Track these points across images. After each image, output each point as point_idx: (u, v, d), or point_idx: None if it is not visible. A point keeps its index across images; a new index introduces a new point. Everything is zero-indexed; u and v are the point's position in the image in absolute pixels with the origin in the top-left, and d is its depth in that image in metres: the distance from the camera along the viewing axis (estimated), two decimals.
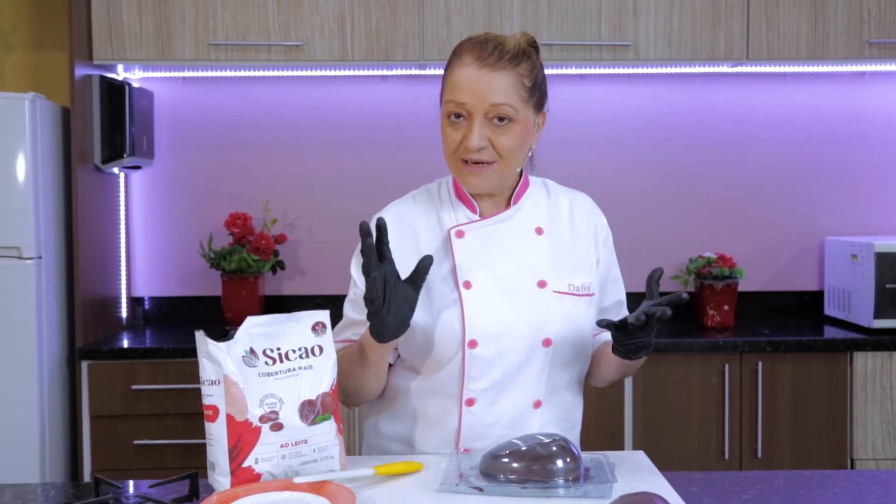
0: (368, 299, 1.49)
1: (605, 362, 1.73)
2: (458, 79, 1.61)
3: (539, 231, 1.72)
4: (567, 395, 1.73)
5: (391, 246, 1.59)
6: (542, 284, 1.67)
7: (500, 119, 1.60)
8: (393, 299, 1.51)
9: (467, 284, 1.66)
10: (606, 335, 1.80)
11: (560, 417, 1.72)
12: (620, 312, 1.82)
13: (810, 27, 3.19)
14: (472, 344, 1.64)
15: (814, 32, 3.19)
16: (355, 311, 1.73)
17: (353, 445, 3.00)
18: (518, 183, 1.73)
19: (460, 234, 1.69)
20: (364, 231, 1.49)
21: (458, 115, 1.62)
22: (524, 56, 1.63)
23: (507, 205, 1.73)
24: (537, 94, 1.66)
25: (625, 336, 1.54)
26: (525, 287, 1.67)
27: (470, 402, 1.66)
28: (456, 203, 1.73)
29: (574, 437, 1.77)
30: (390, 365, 1.74)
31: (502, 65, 1.60)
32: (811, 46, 3.19)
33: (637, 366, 1.68)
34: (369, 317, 1.53)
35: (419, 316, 1.65)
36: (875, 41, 3.18)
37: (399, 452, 1.74)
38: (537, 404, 1.68)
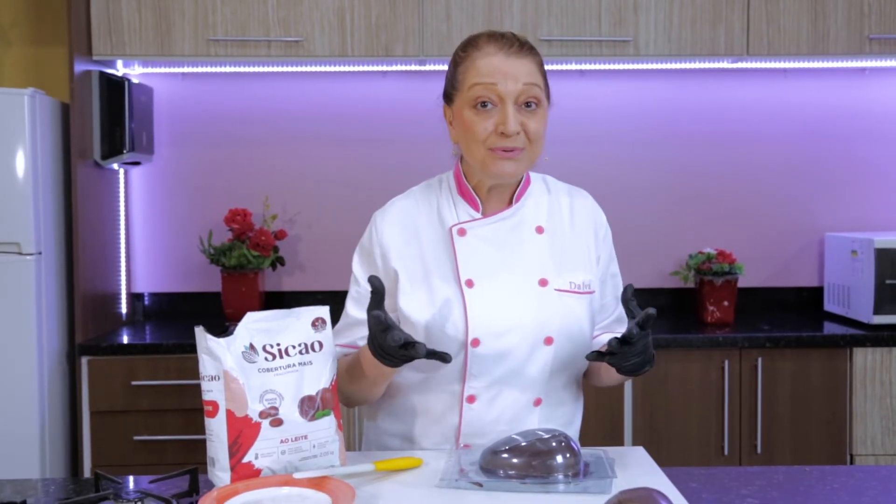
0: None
1: (607, 372, 1.72)
2: (486, 65, 1.62)
3: (540, 230, 1.72)
4: (567, 393, 1.74)
5: (395, 242, 1.68)
6: (543, 283, 1.67)
7: (528, 104, 1.62)
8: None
9: (469, 283, 1.66)
10: (602, 339, 1.80)
11: (560, 414, 1.72)
12: (618, 308, 1.82)
13: (811, 23, 3.18)
14: (475, 343, 1.64)
15: (814, 28, 3.19)
16: (357, 309, 1.73)
17: (353, 441, 3.00)
18: (520, 180, 1.73)
19: (462, 233, 1.69)
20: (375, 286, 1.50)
21: (484, 104, 1.62)
22: (535, 49, 1.68)
23: (510, 202, 1.72)
24: (548, 87, 1.69)
25: (618, 360, 1.52)
26: (527, 285, 1.67)
27: (471, 400, 1.66)
28: (458, 200, 1.73)
29: (574, 433, 1.78)
30: None
31: (525, 52, 1.64)
32: (811, 42, 3.19)
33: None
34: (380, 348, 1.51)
35: (421, 313, 1.66)
36: (875, 37, 3.18)
37: (399, 449, 1.74)
38: (537, 402, 1.68)
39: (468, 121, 1.63)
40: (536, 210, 1.74)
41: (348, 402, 1.74)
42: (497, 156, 1.62)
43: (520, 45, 1.63)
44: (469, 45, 1.67)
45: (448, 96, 1.71)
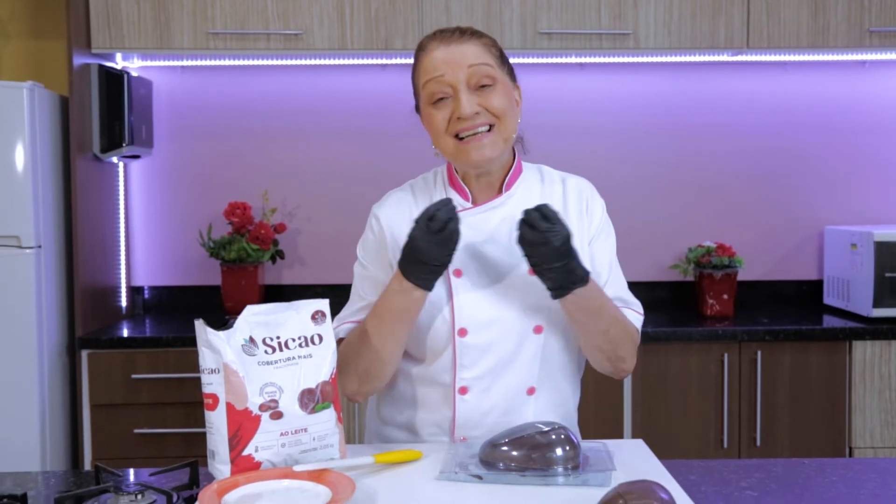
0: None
1: (580, 333, 1.69)
2: (429, 62, 1.64)
3: None
4: (562, 382, 1.73)
5: (394, 232, 1.70)
6: (532, 271, 1.67)
7: (483, 85, 1.62)
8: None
9: (457, 273, 1.66)
10: None
11: (556, 404, 1.73)
12: (609, 277, 1.75)
13: (811, 16, 3.18)
14: (462, 332, 1.65)
15: (814, 21, 3.18)
16: (374, 292, 1.70)
17: (353, 434, 3.01)
18: (511, 168, 1.73)
19: None
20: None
21: (440, 98, 1.63)
22: (482, 32, 1.68)
23: (500, 191, 1.72)
24: (507, 64, 1.68)
25: (530, 248, 1.53)
26: (515, 274, 1.67)
27: (463, 391, 1.67)
28: (450, 191, 1.74)
29: (571, 423, 1.78)
30: None
31: (466, 38, 1.64)
32: (812, 35, 3.19)
33: (598, 325, 1.64)
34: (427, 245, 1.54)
35: None
36: (876, 30, 3.18)
37: (398, 438, 1.75)
38: (531, 391, 1.69)
39: (428, 116, 1.66)
40: (528, 198, 1.72)
41: (364, 381, 1.69)
42: (464, 144, 1.62)
43: (461, 33, 1.64)
44: (417, 51, 1.69)
45: (417, 106, 1.73)
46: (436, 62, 1.62)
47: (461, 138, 1.62)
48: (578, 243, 1.72)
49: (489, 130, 1.62)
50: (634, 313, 1.76)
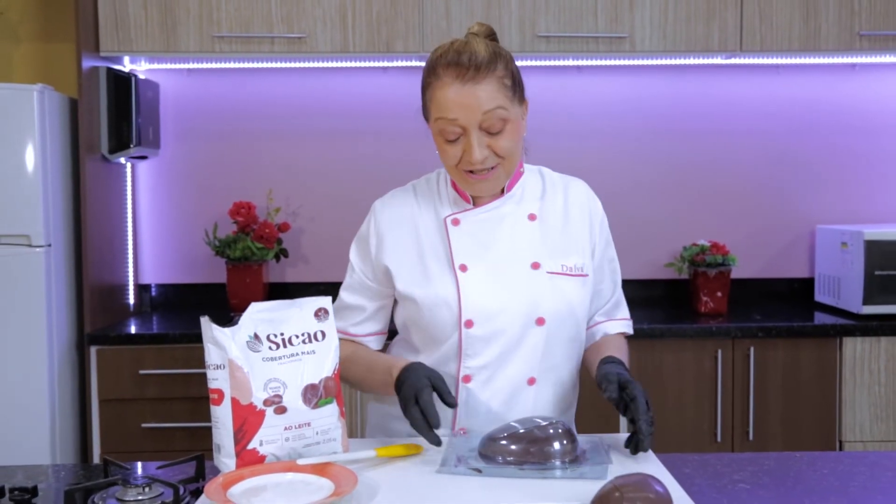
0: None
1: (592, 367, 1.78)
2: (443, 99, 1.63)
3: (532, 217, 1.77)
4: (562, 374, 1.78)
5: (392, 232, 1.75)
6: (535, 266, 1.72)
7: (494, 126, 1.64)
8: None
9: (463, 267, 1.71)
10: (604, 328, 1.86)
11: (555, 395, 1.77)
12: (616, 293, 1.87)
13: (802, 20, 3.21)
14: (469, 324, 1.69)
15: (806, 25, 3.21)
16: (350, 295, 1.84)
17: (355, 428, 3.04)
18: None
19: (456, 222, 1.75)
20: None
21: (450, 134, 1.66)
22: (497, 57, 1.64)
23: (501, 192, 1.78)
24: (518, 88, 1.69)
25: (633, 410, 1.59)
26: (519, 269, 1.72)
27: (466, 379, 1.72)
28: (452, 194, 1.79)
29: (569, 417, 1.82)
30: (388, 344, 1.87)
31: (482, 75, 1.61)
32: (803, 39, 3.22)
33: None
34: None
35: (420, 296, 1.72)
36: (866, 33, 3.21)
37: (400, 429, 1.77)
38: (531, 381, 1.73)
39: (439, 148, 1.69)
40: (529, 199, 1.79)
41: (354, 387, 1.85)
42: (470, 177, 1.68)
43: (476, 69, 1.60)
44: (430, 72, 1.67)
45: (425, 116, 1.75)
46: (450, 103, 1.62)
47: (468, 171, 1.68)
48: (580, 243, 1.78)
49: (494, 167, 1.67)
50: (622, 322, 1.87)
